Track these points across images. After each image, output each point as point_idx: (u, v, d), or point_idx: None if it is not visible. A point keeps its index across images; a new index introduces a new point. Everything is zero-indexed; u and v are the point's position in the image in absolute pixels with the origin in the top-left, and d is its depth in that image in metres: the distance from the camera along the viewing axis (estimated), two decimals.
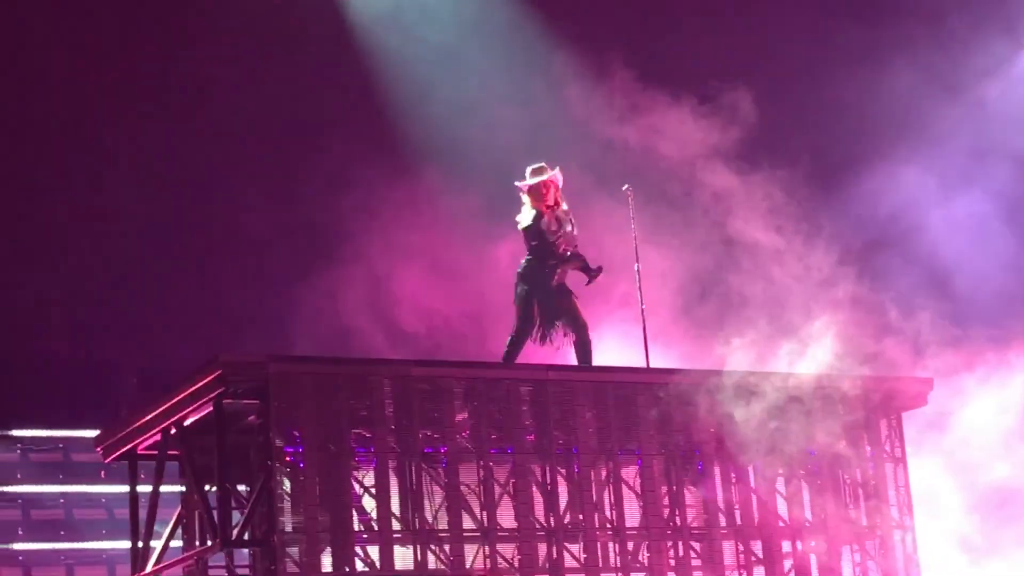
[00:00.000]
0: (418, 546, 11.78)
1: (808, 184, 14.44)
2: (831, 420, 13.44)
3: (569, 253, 13.54)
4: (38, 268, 18.39)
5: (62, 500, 18.35)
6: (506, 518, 12.14)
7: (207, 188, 18.84)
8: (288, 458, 11.50)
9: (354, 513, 11.64)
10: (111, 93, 18.53)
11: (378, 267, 16.86)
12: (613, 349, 14.78)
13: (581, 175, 14.75)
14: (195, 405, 11.75)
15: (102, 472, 17.86)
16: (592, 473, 12.55)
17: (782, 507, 13.22)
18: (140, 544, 12.75)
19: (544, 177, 13.54)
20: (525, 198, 13.66)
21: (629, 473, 12.76)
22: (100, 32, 18.59)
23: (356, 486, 11.78)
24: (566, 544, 12.27)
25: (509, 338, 13.52)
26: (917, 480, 13.93)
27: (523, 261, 13.64)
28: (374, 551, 11.65)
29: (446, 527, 11.88)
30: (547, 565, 12.18)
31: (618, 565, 12.47)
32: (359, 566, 11.55)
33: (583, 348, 13.48)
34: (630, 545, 12.54)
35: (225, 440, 11.62)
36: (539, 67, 17.33)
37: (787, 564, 13.19)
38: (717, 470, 13.04)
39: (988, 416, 14.41)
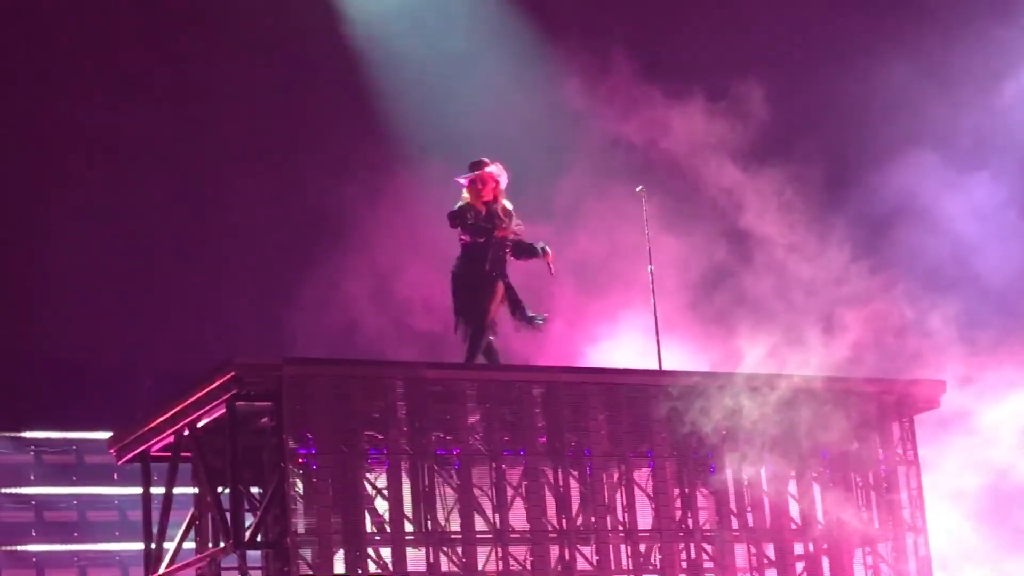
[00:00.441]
0: (430, 548, 11.80)
1: (821, 180, 14.42)
2: (843, 422, 13.43)
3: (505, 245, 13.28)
4: (52, 270, 18.42)
5: (75, 502, 18.37)
6: (518, 520, 12.14)
7: (222, 189, 18.87)
8: (301, 460, 11.52)
9: (367, 515, 11.66)
10: (121, 92, 18.57)
11: (383, 262, 16.80)
12: (629, 343, 14.72)
13: (589, 169, 14.71)
14: (208, 407, 11.77)
15: (115, 474, 17.88)
16: (604, 475, 12.55)
17: (794, 509, 13.21)
18: (153, 546, 12.76)
19: (476, 173, 13.25)
20: (465, 193, 13.40)
21: (641, 475, 12.77)
22: (112, 31, 18.63)
23: (369, 488, 11.79)
24: (578, 546, 12.28)
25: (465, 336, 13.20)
26: (938, 480, 13.91)
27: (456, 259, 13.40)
28: (387, 553, 11.66)
29: (458, 529, 11.89)
30: (559, 567, 12.19)
31: (630, 567, 12.47)
32: (372, 568, 11.56)
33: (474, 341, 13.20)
34: (642, 547, 12.54)
35: (238, 442, 11.64)
36: (547, 60, 17.25)
37: (799, 566, 13.18)
38: (729, 472, 13.04)
39: (1009, 415, 14.37)
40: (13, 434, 18.18)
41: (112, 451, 13.23)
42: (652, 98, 15.01)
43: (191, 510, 12.60)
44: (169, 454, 12.53)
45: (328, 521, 11.42)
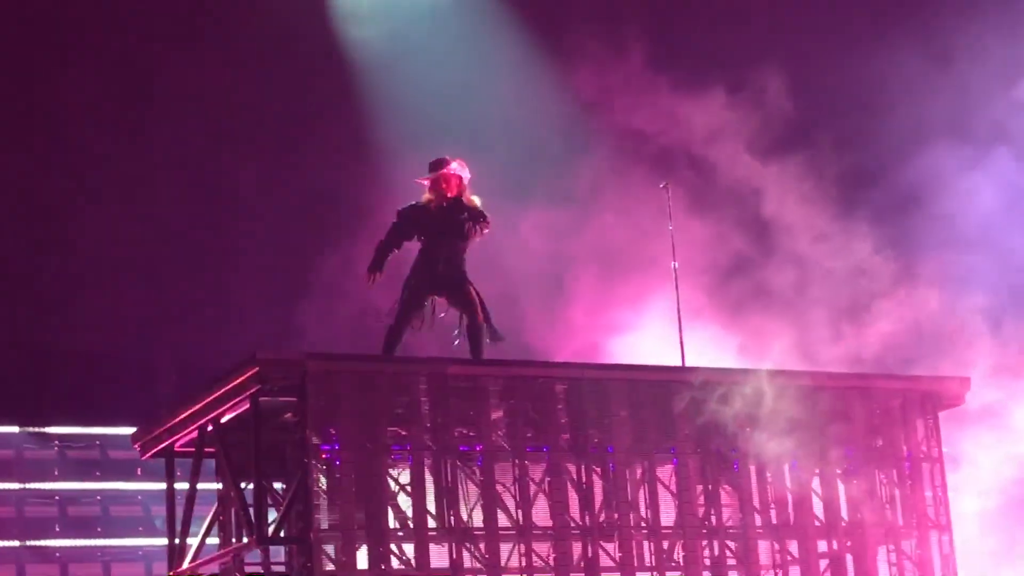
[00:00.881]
0: (453, 544, 11.80)
1: (843, 169, 14.36)
2: (868, 419, 13.40)
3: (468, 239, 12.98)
4: (76, 265, 18.47)
5: (99, 497, 18.42)
6: (541, 516, 12.13)
7: (244, 183, 18.91)
8: (324, 455, 11.52)
9: (390, 511, 11.66)
10: (140, 95, 18.61)
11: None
12: (652, 331, 14.67)
13: (608, 155, 14.63)
14: (232, 402, 11.78)
15: (138, 469, 17.93)
16: (627, 472, 12.53)
17: (818, 506, 13.18)
18: (177, 541, 12.77)
19: (437, 172, 13.04)
20: (426, 193, 13.14)
21: (664, 472, 12.75)
22: (126, 33, 18.69)
23: (392, 484, 11.79)
24: (601, 543, 12.26)
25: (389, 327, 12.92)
26: (965, 477, 13.86)
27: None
28: (409, 549, 11.67)
29: (481, 525, 11.88)
30: (582, 564, 12.17)
31: (653, 564, 12.45)
32: (395, 564, 11.56)
33: (474, 331, 12.93)
34: (665, 544, 12.52)
35: (261, 437, 11.65)
36: (562, 49, 17.13)
37: (823, 564, 13.14)
38: (752, 469, 13.01)
39: None
40: (37, 429, 18.24)
41: (136, 446, 13.26)
42: (667, 87, 14.96)
43: (215, 505, 12.61)
44: (193, 449, 12.55)
45: (351, 517, 11.43)
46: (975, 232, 16.19)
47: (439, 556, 11.76)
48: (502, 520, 11.96)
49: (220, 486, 12.49)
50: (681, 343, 14.05)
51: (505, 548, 11.96)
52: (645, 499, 12.54)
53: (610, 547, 12.30)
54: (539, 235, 14.98)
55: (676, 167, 14.73)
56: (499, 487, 12.01)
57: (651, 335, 14.84)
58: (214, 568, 12.58)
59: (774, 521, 12.98)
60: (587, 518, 12.26)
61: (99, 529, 18.25)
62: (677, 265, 14.27)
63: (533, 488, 12.14)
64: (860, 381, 13.57)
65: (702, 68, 15.11)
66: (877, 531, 13.30)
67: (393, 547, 11.59)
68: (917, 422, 13.70)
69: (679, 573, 12.52)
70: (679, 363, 13.87)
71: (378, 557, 11.47)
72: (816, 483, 13.21)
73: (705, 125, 14.63)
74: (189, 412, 12.32)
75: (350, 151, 18.09)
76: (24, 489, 18.07)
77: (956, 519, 13.65)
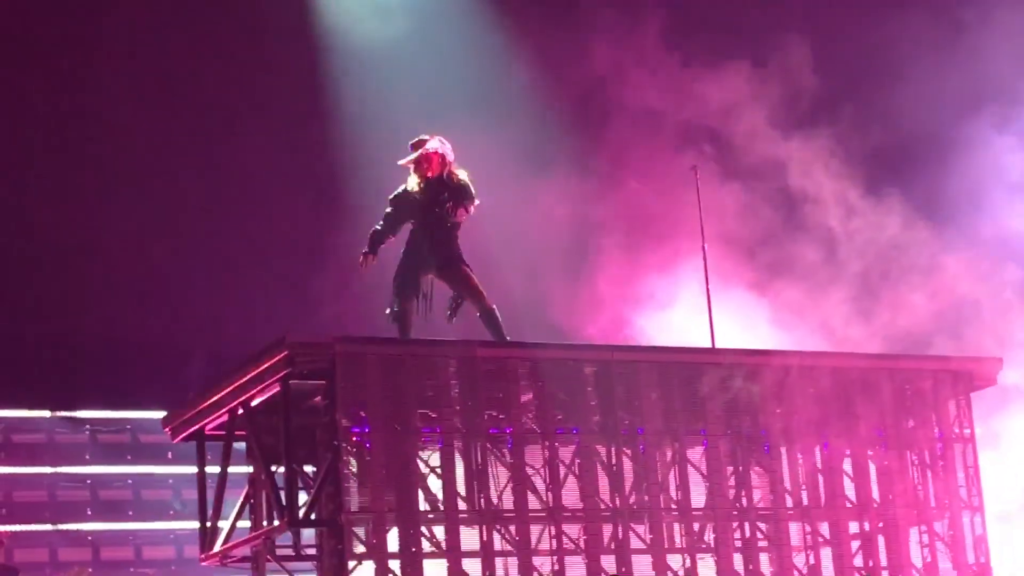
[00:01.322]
0: (484, 526, 11.80)
1: (874, 144, 14.26)
2: (899, 400, 13.35)
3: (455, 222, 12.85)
4: (106, 250, 18.53)
5: (130, 480, 18.50)
6: (571, 499, 12.13)
7: (268, 168, 18.93)
8: (354, 438, 11.53)
9: (420, 493, 11.67)
10: (166, 83, 18.66)
11: None
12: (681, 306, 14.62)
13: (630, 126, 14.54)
14: (262, 386, 11.79)
15: (169, 453, 18.01)
16: (657, 454, 12.51)
17: (849, 488, 13.13)
18: (208, 524, 12.81)
19: (417, 153, 12.93)
20: (412, 175, 13.04)
21: (695, 454, 12.72)
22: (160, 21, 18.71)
23: (422, 466, 11.80)
24: (631, 524, 12.25)
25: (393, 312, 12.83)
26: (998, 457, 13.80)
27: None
28: (440, 531, 11.67)
29: (511, 507, 11.89)
30: (613, 545, 12.16)
31: (684, 546, 12.44)
32: (425, 546, 11.57)
33: (487, 318, 12.88)
34: (696, 526, 12.50)
35: (292, 421, 11.67)
36: (580, 19, 16.99)
37: (854, 545, 13.11)
38: (783, 450, 12.97)
39: None
40: (69, 414, 18.33)
41: (167, 430, 13.29)
42: (688, 58, 14.87)
43: (245, 488, 12.64)
44: (223, 433, 12.58)
45: (381, 499, 11.44)
46: (1007, 203, 16.03)
47: (469, 538, 11.76)
48: (532, 502, 11.95)
49: (251, 469, 12.52)
50: (711, 325, 14.01)
51: (535, 530, 11.96)
52: (675, 481, 12.52)
53: (640, 529, 12.28)
54: (562, 206, 14.92)
55: (699, 139, 14.65)
56: (529, 469, 12.00)
57: (680, 308, 14.76)
58: (245, 551, 12.62)
59: (805, 502, 12.94)
60: (617, 500, 12.25)
61: (130, 512, 18.34)
62: (706, 246, 14.21)
63: (563, 470, 12.13)
64: (891, 362, 13.53)
65: (726, 40, 15.01)
66: (909, 512, 13.25)
67: (423, 529, 11.60)
68: (949, 403, 13.64)
69: (710, 555, 12.51)
70: (708, 338, 13.83)
71: (408, 539, 11.48)
72: (847, 464, 13.17)
73: (730, 97, 14.56)
74: (219, 396, 12.34)
75: (360, 128, 18.03)
76: (56, 473, 18.16)
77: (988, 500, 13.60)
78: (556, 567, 11.92)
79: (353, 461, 11.48)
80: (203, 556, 12.89)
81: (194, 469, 13.07)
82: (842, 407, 13.00)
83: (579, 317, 14.70)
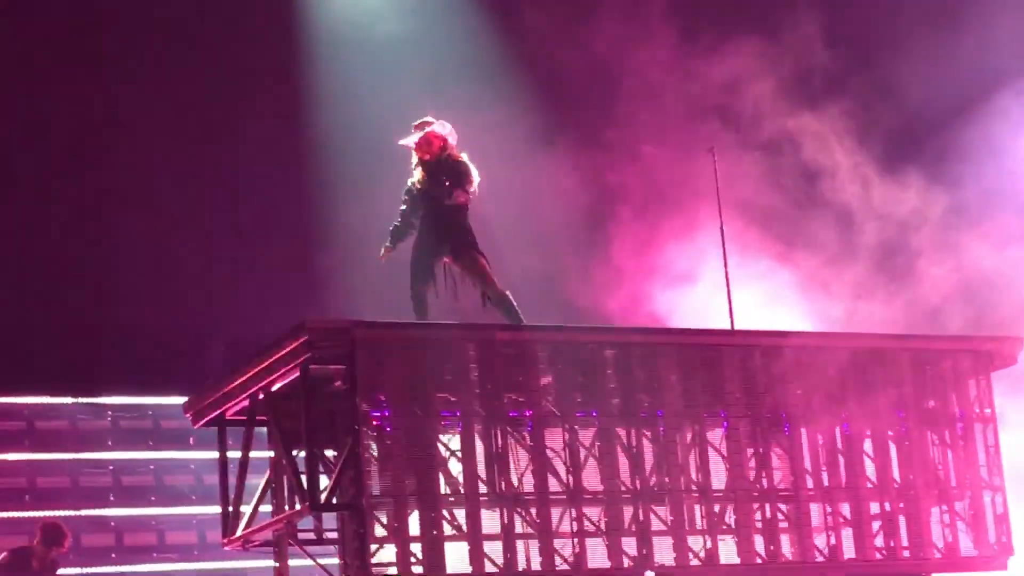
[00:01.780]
0: (504, 509, 11.82)
1: (894, 120, 14.18)
2: (919, 379, 13.32)
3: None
4: (126, 235, 18.57)
5: (152, 466, 18.55)
6: (592, 481, 12.14)
7: (291, 154, 18.96)
8: (375, 422, 11.57)
9: (440, 476, 11.70)
10: (187, 72, 18.69)
11: None
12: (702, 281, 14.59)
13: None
14: (282, 371, 11.83)
15: (191, 438, 18.04)
16: (677, 436, 12.52)
17: (870, 468, 13.12)
18: (230, 509, 12.87)
19: (419, 134, 12.92)
20: (414, 156, 13.07)
21: (715, 436, 12.72)
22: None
23: (442, 450, 11.82)
24: (652, 506, 12.26)
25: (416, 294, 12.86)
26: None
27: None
28: (460, 514, 11.70)
29: (532, 490, 11.91)
30: (633, 527, 12.18)
31: (705, 528, 12.45)
32: (446, 529, 11.61)
33: (501, 304, 12.87)
34: (716, 507, 12.51)
35: (312, 405, 11.71)
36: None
37: (875, 525, 13.10)
38: (804, 431, 12.96)
39: None
40: (91, 400, 18.39)
41: (188, 415, 13.34)
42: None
43: (267, 473, 12.68)
44: (244, 418, 12.62)
45: (402, 483, 11.47)
46: None
47: (490, 521, 11.79)
48: (553, 485, 11.98)
49: (272, 454, 12.56)
50: (730, 307, 13.99)
51: (556, 513, 11.98)
52: (696, 462, 12.53)
53: (661, 511, 12.30)
54: (572, 179, 14.88)
55: (712, 112, 14.60)
56: (549, 452, 12.02)
57: (702, 282, 14.71)
58: (267, 535, 12.67)
59: (826, 483, 12.94)
60: (638, 482, 12.26)
61: (153, 498, 18.39)
62: (724, 228, 14.19)
63: (583, 453, 12.15)
64: (911, 341, 13.50)
65: (735, 12, 14.93)
66: (930, 492, 13.24)
67: (444, 512, 11.63)
68: (969, 382, 13.62)
69: (731, 536, 12.51)
70: (728, 315, 13.81)
71: (429, 522, 11.52)
72: (868, 444, 13.16)
73: (743, 71, 14.50)
74: (240, 381, 12.38)
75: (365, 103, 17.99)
76: (78, 459, 18.23)
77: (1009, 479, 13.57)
78: (577, 549, 11.95)
79: (374, 445, 11.52)
80: (225, 541, 12.94)
81: (215, 454, 13.12)
82: (862, 387, 12.98)
83: (598, 293, 14.66)
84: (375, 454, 11.51)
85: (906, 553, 13.08)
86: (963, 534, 13.32)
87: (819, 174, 14.57)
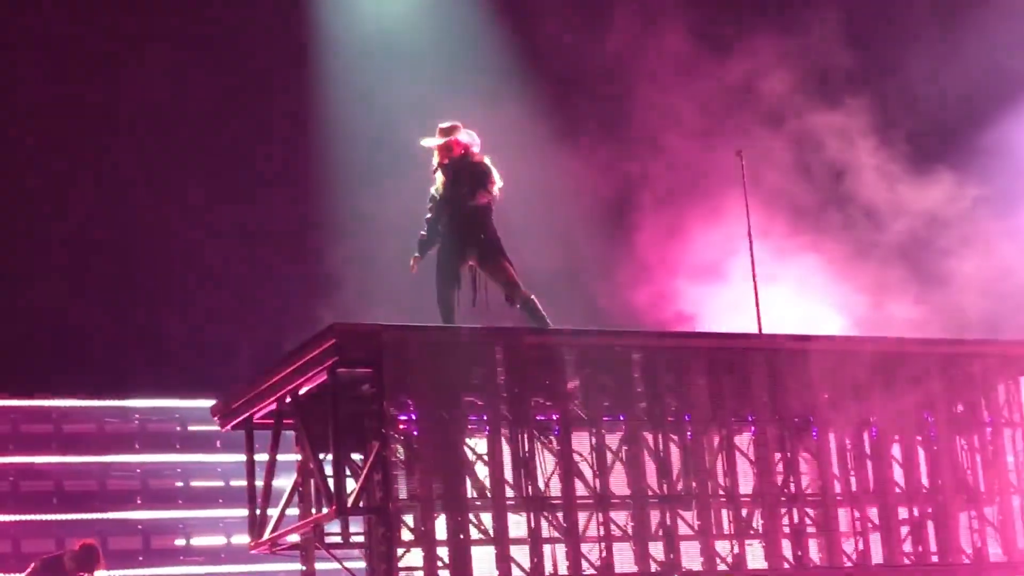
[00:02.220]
0: (531, 513, 11.81)
1: (923, 118, 14.09)
2: (948, 384, 13.26)
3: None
4: (154, 241, 18.62)
5: (179, 469, 18.61)
6: (619, 485, 12.12)
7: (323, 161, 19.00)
8: (402, 426, 11.56)
9: (467, 480, 11.69)
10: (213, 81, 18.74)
11: None
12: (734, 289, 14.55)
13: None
14: (309, 374, 11.84)
15: (218, 442, 18.09)
16: (705, 440, 12.48)
17: (898, 473, 13.07)
18: (257, 512, 12.87)
19: (444, 140, 12.88)
20: (435, 156, 13.02)
21: (742, 440, 12.69)
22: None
23: (469, 453, 11.81)
24: (679, 511, 12.23)
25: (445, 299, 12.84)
26: None
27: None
28: (487, 518, 11.69)
29: (559, 494, 11.89)
30: (660, 532, 12.15)
31: (732, 532, 12.41)
32: (473, 533, 11.59)
33: (526, 307, 12.83)
34: (744, 512, 12.47)
35: (339, 409, 11.70)
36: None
37: (904, 530, 13.05)
38: (832, 436, 12.92)
39: None
40: (118, 403, 18.45)
41: (216, 418, 13.36)
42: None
43: (294, 476, 12.69)
44: (272, 421, 12.63)
45: (429, 486, 11.47)
46: None
47: (517, 525, 11.78)
48: (580, 489, 11.96)
49: (299, 457, 12.57)
50: (758, 312, 13.94)
51: (583, 517, 11.96)
52: (723, 467, 12.49)
53: (688, 515, 12.26)
54: (593, 171, 14.84)
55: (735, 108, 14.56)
56: (576, 456, 12.00)
57: (730, 278, 14.67)
58: (294, 538, 12.67)
59: (854, 488, 12.89)
60: (665, 487, 12.23)
61: (180, 501, 18.44)
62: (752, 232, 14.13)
63: (610, 457, 12.12)
64: (940, 345, 13.44)
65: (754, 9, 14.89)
66: (958, 497, 13.18)
67: (471, 516, 11.62)
68: (998, 386, 13.55)
69: (758, 541, 12.47)
70: (755, 317, 13.78)
71: (456, 526, 11.50)
72: (896, 449, 13.10)
73: (765, 65, 14.45)
74: (267, 384, 12.39)
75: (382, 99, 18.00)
76: (106, 462, 18.28)
77: None
78: (604, 554, 11.93)
79: (400, 449, 11.51)
80: (252, 544, 12.95)
81: (243, 457, 13.13)
82: (890, 391, 12.93)
83: (625, 290, 14.62)
84: (402, 458, 11.50)
85: (934, 558, 13.03)
86: (992, 539, 13.25)
87: (844, 170, 14.51)
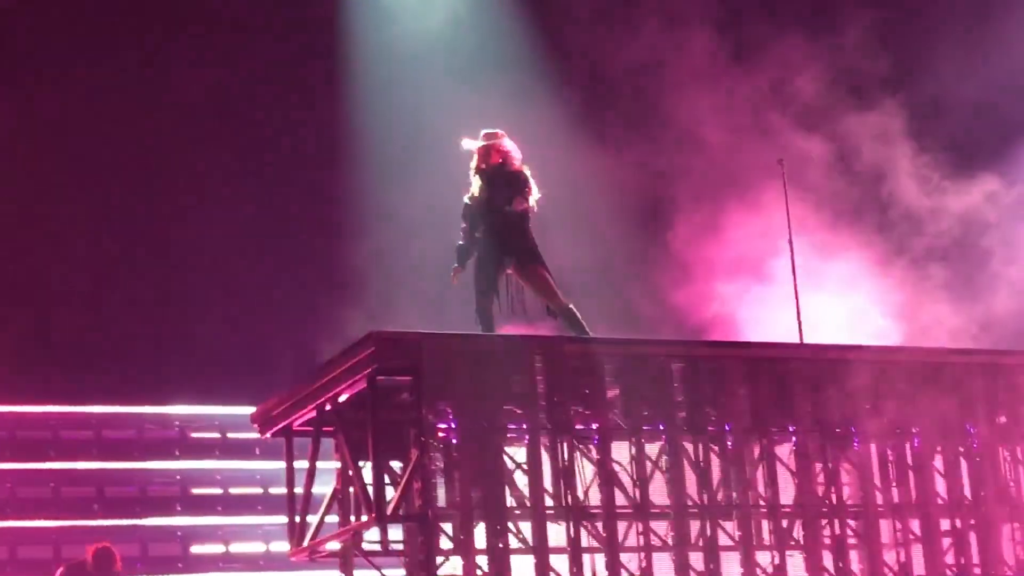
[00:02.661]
0: (571, 522, 11.77)
1: (964, 124, 13.99)
2: (990, 395, 13.16)
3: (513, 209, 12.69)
4: (194, 249, 18.69)
5: (219, 476, 18.67)
6: (659, 495, 12.07)
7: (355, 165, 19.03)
8: (441, 434, 11.55)
9: (507, 489, 11.66)
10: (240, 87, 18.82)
11: None
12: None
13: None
14: (349, 382, 11.84)
15: (257, 449, 18.15)
16: (745, 450, 12.42)
17: (940, 484, 12.98)
18: (296, 519, 12.88)
19: (486, 144, 12.86)
20: (474, 159, 12.98)
21: (783, 450, 12.62)
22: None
23: (508, 462, 11.79)
24: (720, 521, 12.17)
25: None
26: None
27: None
28: (527, 527, 11.66)
29: (599, 504, 11.85)
30: (700, 542, 12.10)
31: (773, 543, 12.34)
32: (512, 542, 11.57)
33: (565, 317, 12.76)
34: (785, 523, 12.40)
35: (379, 416, 11.70)
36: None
37: (946, 542, 12.95)
38: (873, 447, 12.84)
39: None
40: (159, 410, 18.53)
41: (256, 425, 13.37)
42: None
43: (333, 484, 12.70)
44: (311, 428, 12.64)
45: (469, 495, 11.45)
46: None
47: (557, 535, 11.75)
48: (619, 499, 11.92)
49: (339, 465, 12.57)
50: (799, 320, 13.89)
51: (622, 527, 11.92)
52: (764, 477, 12.43)
53: (729, 526, 12.20)
54: (626, 171, 14.80)
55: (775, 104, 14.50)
56: (616, 466, 11.96)
57: (772, 282, 14.61)
58: (334, 546, 12.67)
59: (896, 500, 12.80)
60: (705, 497, 12.18)
61: (219, 508, 18.50)
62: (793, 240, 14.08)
63: (650, 467, 12.08)
64: (983, 356, 13.34)
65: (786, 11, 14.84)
66: (1001, 509, 13.07)
67: (510, 525, 11.59)
68: None
69: (799, 552, 12.40)
70: (796, 324, 13.73)
71: (495, 535, 11.48)
72: (938, 460, 13.01)
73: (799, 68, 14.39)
74: (307, 392, 12.40)
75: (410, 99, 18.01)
76: (146, 469, 18.36)
77: None
78: (644, 564, 11.88)
79: (440, 457, 11.50)
80: (291, 551, 12.96)
81: (282, 465, 13.15)
82: (932, 402, 12.83)
83: (663, 292, 14.56)
84: (441, 466, 11.49)
85: (977, 570, 12.93)
86: None
87: (884, 176, 14.42)
